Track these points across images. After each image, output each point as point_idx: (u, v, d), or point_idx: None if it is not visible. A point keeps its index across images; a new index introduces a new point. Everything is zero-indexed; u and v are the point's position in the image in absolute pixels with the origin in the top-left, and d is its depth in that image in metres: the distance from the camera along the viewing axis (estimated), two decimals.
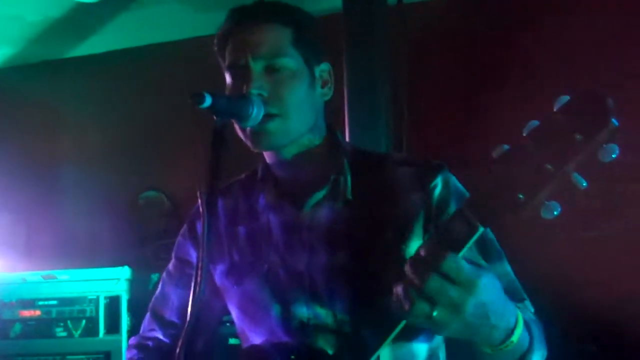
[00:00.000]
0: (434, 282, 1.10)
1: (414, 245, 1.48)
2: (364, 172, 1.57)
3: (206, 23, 4.27)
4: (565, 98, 1.10)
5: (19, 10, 4.17)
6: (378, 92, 3.44)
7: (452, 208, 1.49)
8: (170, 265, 1.77)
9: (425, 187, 1.52)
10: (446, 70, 3.94)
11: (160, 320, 1.74)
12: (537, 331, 1.36)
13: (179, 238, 1.76)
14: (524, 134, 1.11)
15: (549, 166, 1.08)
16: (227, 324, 3.22)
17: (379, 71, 3.46)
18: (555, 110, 1.09)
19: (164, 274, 1.77)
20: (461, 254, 1.13)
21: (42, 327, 3.67)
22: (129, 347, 1.76)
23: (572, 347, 3.10)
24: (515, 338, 1.23)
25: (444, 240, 1.14)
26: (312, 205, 1.54)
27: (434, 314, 1.10)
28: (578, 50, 3.59)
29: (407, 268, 1.13)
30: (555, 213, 1.09)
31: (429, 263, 1.11)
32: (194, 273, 1.66)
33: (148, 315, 1.78)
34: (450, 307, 1.10)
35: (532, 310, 1.48)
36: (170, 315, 1.72)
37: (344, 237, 1.50)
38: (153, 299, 1.78)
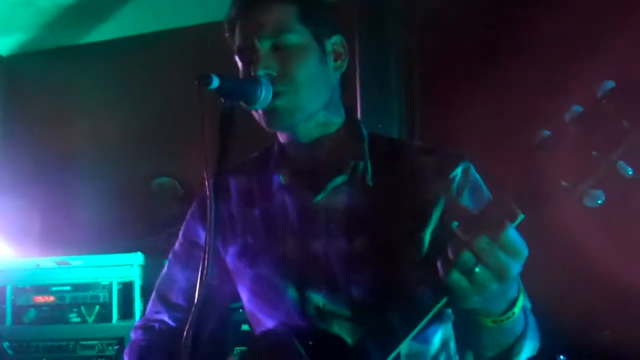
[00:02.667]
0: (484, 241, 1.10)
1: (432, 233, 1.47)
2: (383, 158, 1.55)
3: (220, 8, 4.27)
4: (610, 84, 1.07)
5: None
6: (391, 77, 3.43)
7: (465, 199, 1.49)
8: (177, 246, 1.75)
9: (446, 176, 1.50)
10: (461, 53, 3.90)
11: (166, 303, 1.72)
12: (532, 319, 1.37)
13: (188, 218, 1.74)
14: (567, 119, 1.08)
15: (594, 153, 1.06)
16: (240, 310, 3.24)
17: (392, 56, 3.44)
18: (599, 95, 1.06)
19: (170, 255, 1.75)
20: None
21: (56, 313, 3.69)
22: (135, 328, 1.74)
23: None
24: (517, 309, 1.24)
25: (484, 222, 1.13)
26: (330, 189, 1.51)
27: (477, 269, 1.11)
28: (609, 33, 3.52)
29: (456, 229, 1.14)
30: (598, 202, 1.08)
31: (480, 226, 1.11)
32: (199, 256, 1.66)
33: (154, 296, 1.75)
34: (496, 269, 1.12)
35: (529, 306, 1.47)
36: (177, 298, 1.70)
37: (363, 222, 1.49)
38: (159, 280, 1.76)
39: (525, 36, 3.78)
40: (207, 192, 1.26)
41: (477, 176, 1.55)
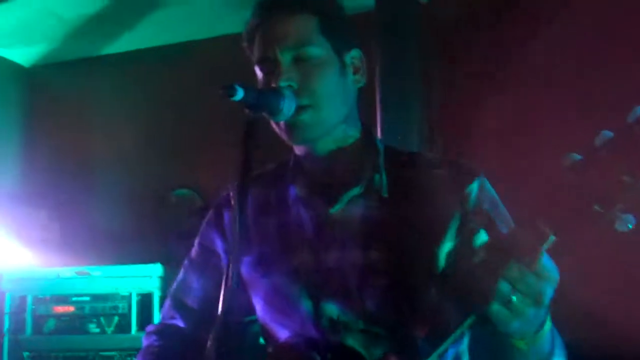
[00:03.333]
0: (517, 269, 1.11)
1: (447, 247, 1.46)
2: (399, 171, 1.54)
3: (238, 20, 4.29)
4: None
5: (54, 7, 4.21)
6: (410, 89, 3.43)
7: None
8: (193, 252, 1.74)
9: (462, 190, 1.49)
10: (479, 66, 3.89)
11: (181, 308, 1.71)
12: (557, 336, 1.35)
13: (204, 225, 1.73)
14: (597, 144, 1.08)
15: (626, 178, 1.06)
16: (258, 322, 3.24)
17: (411, 69, 3.44)
18: (630, 121, 1.06)
19: (186, 261, 1.74)
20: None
21: (75, 323, 3.70)
22: (148, 333, 1.73)
23: None
24: (546, 327, 1.24)
25: (514, 245, 1.12)
26: (346, 201, 1.51)
27: (514, 298, 1.11)
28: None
29: (484, 254, 1.14)
30: (629, 226, 1.07)
31: (511, 251, 1.11)
32: (218, 263, 1.65)
33: (168, 301, 1.74)
34: (532, 295, 1.12)
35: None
36: (192, 303, 1.69)
37: (377, 235, 1.48)
38: (174, 286, 1.75)
39: (551, 53, 3.77)
40: (232, 203, 1.25)
41: (493, 191, 1.54)
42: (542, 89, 3.73)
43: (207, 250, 1.70)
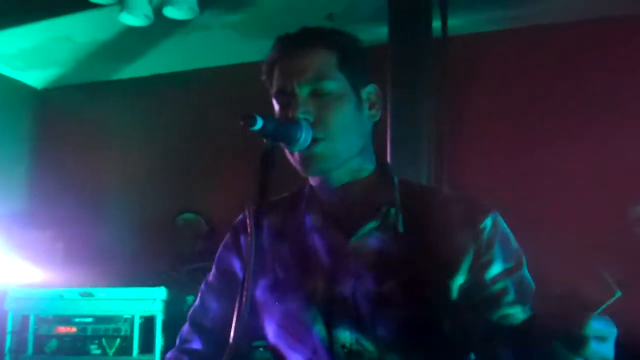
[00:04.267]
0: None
1: (459, 280, 1.49)
2: (413, 205, 1.57)
3: (251, 50, 4.36)
4: None
5: (68, 32, 4.27)
6: (421, 124, 3.45)
7: (496, 249, 1.50)
8: (211, 277, 1.76)
9: (476, 225, 1.51)
10: (491, 104, 3.93)
11: (200, 330, 1.73)
12: None
13: (221, 249, 1.76)
14: None
15: None
16: (261, 349, 3.24)
17: (422, 103, 3.46)
18: None
19: (203, 286, 1.77)
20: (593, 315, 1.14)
21: (77, 344, 3.70)
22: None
23: None
24: None
25: (578, 299, 1.13)
26: (362, 234, 1.53)
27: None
28: None
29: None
30: None
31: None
32: (236, 285, 1.67)
33: (187, 326, 1.77)
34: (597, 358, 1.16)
35: None
36: (210, 324, 1.72)
37: (392, 267, 1.50)
38: (192, 310, 1.77)
39: (567, 88, 3.80)
40: (249, 229, 1.28)
41: (505, 226, 1.56)
42: (558, 125, 3.76)
43: (225, 273, 1.72)
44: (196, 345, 1.73)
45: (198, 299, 1.77)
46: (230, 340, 1.25)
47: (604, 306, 1.11)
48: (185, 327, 1.77)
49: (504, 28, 4.00)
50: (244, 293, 1.25)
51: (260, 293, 1.63)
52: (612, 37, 3.73)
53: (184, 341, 1.76)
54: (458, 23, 3.81)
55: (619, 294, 1.10)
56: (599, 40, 3.76)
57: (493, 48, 3.99)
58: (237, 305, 1.25)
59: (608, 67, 3.70)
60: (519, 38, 3.98)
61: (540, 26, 3.91)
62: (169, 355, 1.77)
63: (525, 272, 1.53)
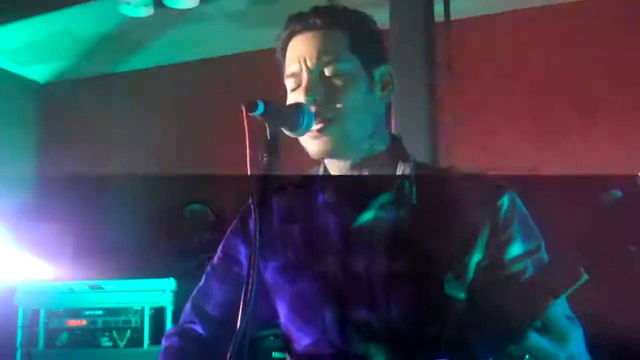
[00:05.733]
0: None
1: (476, 258, 1.46)
2: (429, 181, 1.55)
3: (253, 39, 4.35)
4: None
5: (70, 25, 4.26)
6: (423, 109, 3.43)
7: (515, 228, 1.48)
8: (216, 259, 1.74)
9: (493, 203, 1.49)
10: (494, 87, 3.92)
11: (201, 314, 1.71)
12: None
13: (228, 233, 1.74)
14: (639, 183, 1.09)
15: None
16: (271, 338, 3.24)
17: (424, 88, 3.44)
18: None
19: (208, 268, 1.75)
20: (559, 299, 1.14)
21: (88, 337, 3.71)
22: (168, 335, 1.73)
23: None
24: None
25: (545, 283, 1.14)
26: (375, 208, 1.51)
27: (526, 357, 1.14)
28: None
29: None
30: None
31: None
32: (240, 271, 1.66)
33: (188, 306, 1.75)
34: (543, 357, 1.15)
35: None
36: (212, 310, 1.70)
37: (407, 243, 1.48)
38: (195, 291, 1.75)
39: (554, 75, 3.79)
40: (253, 215, 1.27)
41: (523, 207, 1.54)
42: (566, 108, 3.75)
43: (230, 258, 1.71)
44: (197, 327, 1.72)
45: (202, 280, 1.76)
46: (237, 327, 1.23)
47: (569, 290, 1.11)
48: (187, 310, 1.75)
49: (507, 10, 3.98)
50: (250, 280, 1.24)
51: (270, 275, 1.61)
52: (623, 15, 3.69)
53: (186, 322, 1.74)
54: (460, 6, 3.78)
55: (585, 277, 1.10)
56: (605, 20, 3.73)
57: (496, 30, 3.97)
58: (242, 293, 1.23)
59: (620, 44, 3.66)
60: (523, 20, 3.95)
61: (546, 7, 3.89)
62: (170, 330, 1.75)
63: (545, 254, 1.50)
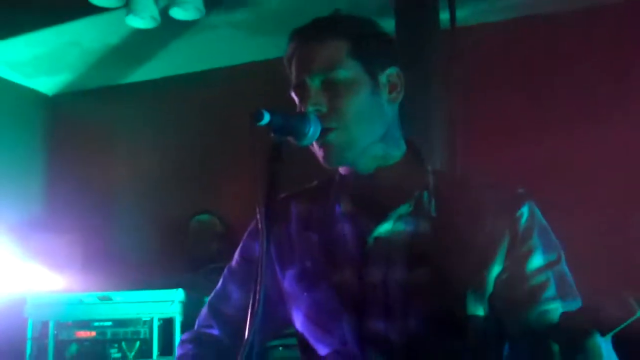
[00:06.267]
0: None
1: (495, 270, 1.45)
2: (448, 191, 1.54)
3: (259, 48, 4.36)
4: None
5: (77, 37, 4.28)
6: (430, 116, 3.42)
7: (535, 240, 1.46)
8: (234, 263, 1.74)
9: (513, 214, 1.48)
10: (501, 95, 3.91)
11: (219, 317, 1.71)
12: None
13: (245, 238, 1.74)
14: None
15: None
16: (280, 348, 3.24)
17: (431, 95, 3.44)
18: None
19: (226, 271, 1.75)
20: (609, 335, 1.10)
21: (97, 348, 3.71)
22: (182, 342, 1.72)
23: None
24: None
25: (596, 318, 1.09)
26: (395, 218, 1.50)
27: None
28: None
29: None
30: None
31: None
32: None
33: (205, 310, 1.75)
34: None
35: None
36: (230, 312, 1.70)
37: (425, 253, 1.47)
38: (212, 295, 1.75)
39: (561, 82, 3.78)
40: (259, 226, 1.27)
41: (542, 217, 1.52)
42: (571, 116, 3.74)
43: (247, 261, 1.70)
44: (214, 331, 1.71)
45: (220, 283, 1.75)
46: (246, 334, 1.23)
47: (622, 325, 1.07)
48: (204, 312, 1.75)
49: (512, 17, 3.97)
50: (257, 288, 1.24)
51: (288, 284, 1.61)
52: (626, 23, 3.69)
53: (203, 326, 1.74)
54: (465, 14, 3.79)
55: (639, 313, 1.06)
56: (612, 28, 3.73)
57: (502, 38, 3.96)
58: (251, 300, 1.24)
59: (622, 54, 3.66)
60: (527, 27, 3.95)
61: (549, 15, 3.88)
62: (185, 336, 1.75)
63: (565, 266, 1.48)
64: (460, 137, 3.52)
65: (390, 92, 1.57)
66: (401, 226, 1.50)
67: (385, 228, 1.51)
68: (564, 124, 3.74)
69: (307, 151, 1.52)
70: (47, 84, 5.11)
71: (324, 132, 1.46)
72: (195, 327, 1.76)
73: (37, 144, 5.16)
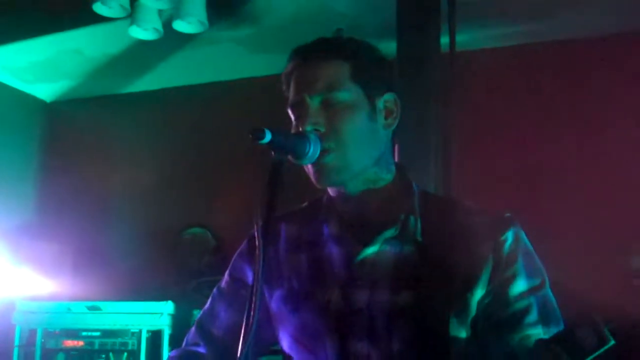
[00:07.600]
0: None
1: (478, 294, 1.46)
2: (433, 215, 1.55)
3: (259, 64, 4.38)
4: None
5: (78, 45, 4.29)
6: (428, 140, 3.43)
7: (519, 265, 1.47)
8: (223, 283, 1.74)
9: (497, 238, 1.48)
10: (499, 119, 3.93)
11: (206, 336, 1.71)
12: None
13: (236, 257, 1.74)
14: None
15: None
16: None
17: (430, 119, 3.45)
18: None
19: (215, 290, 1.75)
20: None
21: (84, 358, 3.70)
22: (170, 358, 1.72)
23: None
24: None
25: (569, 345, 1.08)
26: (380, 242, 1.51)
27: None
28: None
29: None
30: None
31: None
32: (247, 294, 1.64)
33: (194, 329, 1.75)
34: None
35: None
36: (218, 332, 1.69)
37: (409, 278, 1.47)
38: (201, 314, 1.75)
39: (560, 109, 3.80)
40: (257, 242, 1.27)
41: (528, 242, 1.53)
42: (566, 138, 3.76)
43: (237, 281, 1.70)
44: (201, 349, 1.71)
45: (208, 302, 1.75)
46: (239, 354, 1.23)
47: (594, 354, 1.06)
48: (192, 331, 1.75)
49: (512, 44, 4.01)
50: (252, 306, 1.24)
51: (275, 304, 1.61)
52: (622, 53, 3.73)
53: (190, 344, 1.74)
54: (466, 39, 3.81)
55: (611, 342, 1.05)
56: (608, 56, 3.76)
57: (501, 63, 3.99)
58: (244, 319, 1.24)
59: (619, 82, 3.69)
60: (526, 54, 3.99)
61: (549, 42, 3.92)
62: (173, 353, 1.74)
63: (549, 291, 1.49)
64: (457, 160, 3.54)
65: (386, 118, 1.57)
66: (387, 249, 1.51)
67: (371, 250, 1.51)
68: (561, 145, 3.77)
69: (297, 169, 1.51)
70: (45, 90, 5.10)
71: (322, 152, 1.46)
72: (183, 344, 1.76)
73: (33, 149, 5.15)
